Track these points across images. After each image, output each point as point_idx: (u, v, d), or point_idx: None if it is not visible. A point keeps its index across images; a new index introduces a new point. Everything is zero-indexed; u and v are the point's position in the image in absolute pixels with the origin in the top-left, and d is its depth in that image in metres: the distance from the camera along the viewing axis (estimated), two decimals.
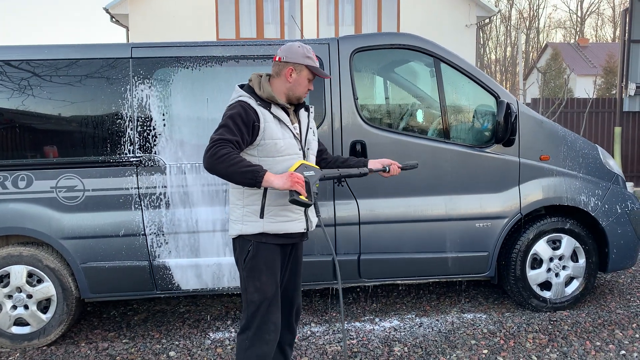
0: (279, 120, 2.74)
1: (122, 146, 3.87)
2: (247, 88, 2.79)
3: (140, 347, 3.99)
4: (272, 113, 2.72)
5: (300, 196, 2.62)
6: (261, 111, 2.69)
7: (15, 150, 3.85)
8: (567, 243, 4.32)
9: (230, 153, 2.53)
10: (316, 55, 3.90)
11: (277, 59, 2.80)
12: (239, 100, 2.71)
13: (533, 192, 4.23)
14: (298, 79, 2.78)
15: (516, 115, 4.04)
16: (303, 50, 2.78)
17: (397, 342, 3.93)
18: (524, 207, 4.22)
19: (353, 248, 4.10)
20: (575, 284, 4.40)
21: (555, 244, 4.34)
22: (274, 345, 2.84)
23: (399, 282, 4.33)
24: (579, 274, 4.37)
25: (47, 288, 3.93)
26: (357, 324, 4.28)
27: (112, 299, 4.16)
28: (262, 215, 2.72)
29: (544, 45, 36.92)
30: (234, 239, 2.85)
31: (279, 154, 2.72)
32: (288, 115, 2.81)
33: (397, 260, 4.15)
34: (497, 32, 40.07)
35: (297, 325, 3.11)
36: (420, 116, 4.44)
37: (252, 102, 2.70)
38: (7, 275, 3.91)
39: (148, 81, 3.88)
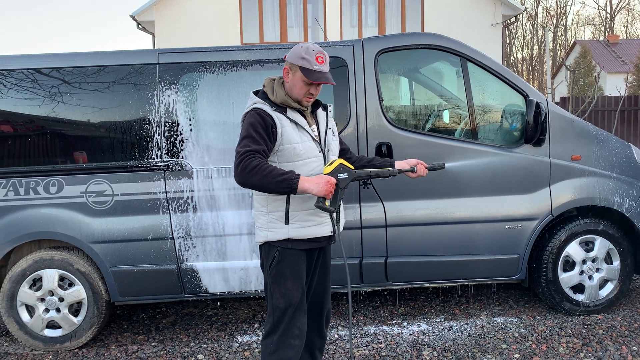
0: (296, 124, 2.70)
1: (150, 151, 3.91)
2: (262, 94, 2.76)
3: (169, 350, 4.02)
4: (288, 117, 2.68)
5: (325, 202, 2.62)
6: (277, 116, 2.65)
7: (47, 156, 3.92)
8: (601, 245, 4.21)
9: (260, 164, 2.51)
10: (338, 57, 3.94)
11: (284, 57, 2.77)
12: (255, 108, 2.67)
13: (564, 193, 4.13)
14: (293, 79, 2.69)
15: (546, 114, 3.95)
16: (302, 51, 2.66)
17: (426, 346, 3.88)
18: (555, 208, 4.13)
19: (380, 251, 4.06)
20: (609, 286, 4.28)
21: (588, 246, 4.23)
22: (299, 350, 2.82)
23: (427, 285, 4.27)
24: (614, 277, 4.25)
25: (78, 291, 4.00)
26: (385, 327, 4.24)
27: (141, 302, 4.20)
28: (287, 221, 2.70)
29: (572, 42, 36.23)
30: (260, 245, 2.84)
31: (299, 158, 2.69)
32: (305, 117, 2.77)
33: (424, 263, 4.09)
34: (523, 30, 39.52)
35: (328, 330, 3.08)
36: (447, 117, 4.38)
37: (267, 108, 2.66)
38: (40, 279, 3.99)
39: (175, 86, 3.92)
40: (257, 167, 2.50)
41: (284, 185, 2.52)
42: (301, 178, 2.55)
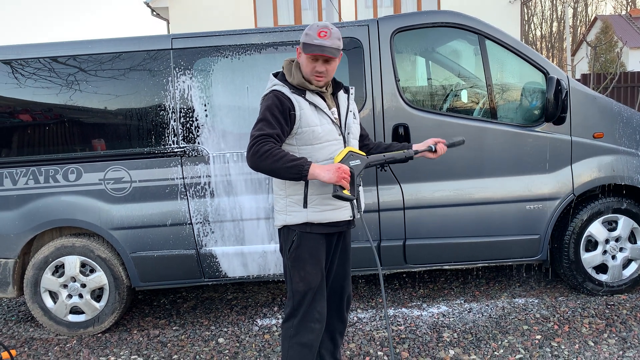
0: (315, 106, 2.66)
1: (166, 137, 3.92)
2: (281, 76, 2.73)
3: (190, 334, 4.06)
4: (307, 100, 2.65)
5: (344, 191, 2.57)
6: (296, 99, 2.62)
7: (65, 144, 3.95)
8: (624, 224, 4.12)
9: (272, 149, 2.48)
10: (353, 37, 3.88)
11: None
12: (273, 90, 2.65)
13: (586, 172, 4.05)
14: (302, 58, 2.66)
15: (567, 91, 3.86)
16: (308, 28, 2.64)
17: (446, 328, 3.86)
18: (577, 188, 4.05)
19: (398, 234, 4.03)
20: (633, 266, 4.20)
21: (611, 225, 4.15)
22: (320, 334, 2.82)
23: (446, 267, 4.24)
24: (638, 256, 4.17)
25: (100, 277, 4.05)
26: (405, 310, 4.23)
27: (162, 287, 4.24)
28: (305, 205, 2.67)
29: (593, 18, 35.34)
30: (279, 229, 2.84)
31: (318, 141, 2.65)
32: (325, 100, 2.73)
33: (443, 245, 4.06)
34: (542, 7, 38.69)
35: (348, 314, 3.07)
36: (465, 96, 4.31)
37: (286, 90, 2.63)
38: (62, 266, 4.05)
39: (189, 72, 3.90)
40: (269, 151, 2.47)
41: (294, 171, 2.49)
42: (312, 165, 2.51)
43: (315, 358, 2.87)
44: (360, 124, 2.99)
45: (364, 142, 3.01)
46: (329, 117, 2.69)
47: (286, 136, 2.62)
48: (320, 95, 2.71)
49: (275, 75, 2.76)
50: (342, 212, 2.73)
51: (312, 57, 2.61)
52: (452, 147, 3.03)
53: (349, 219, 2.77)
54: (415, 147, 2.95)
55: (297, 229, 2.71)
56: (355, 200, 2.67)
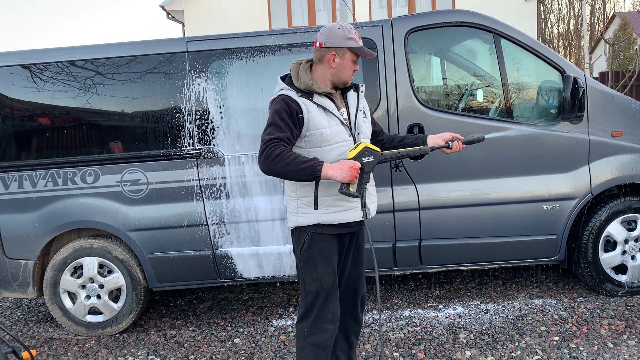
0: (323, 108, 2.67)
1: (182, 139, 3.95)
2: (288, 79, 2.74)
3: (206, 335, 4.09)
4: (315, 102, 2.65)
5: (349, 188, 2.58)
6: (303, 102, 2.63)
7: (83, 147, 4.01)
8: None
9: (283, 152, 2.50)
10: (367, 38, 3.88)
11: (317, 44, 2.69)
12: (280, 95, 2.66)
13: (604, 171, 3.99)
14: (342, 63, 2.67)
15: (584, 90, 3.81)
16: (344, 32, 2.64)
17: (462, 329, 3.83)
18: (595, 187, 3.99)
19: (413, 234, 4.02)
20: None
21: (630, 225, 4.09)
22: (333, 334, 2.82)
23: (462, 268, 4.21)
24: None
25: (117, 278, 4.10)
26: (420, 311, 4.21)
27: (179, 288, 4.28)
28: (316, 207, 2.68)
29: (611, 15, 34.85)
30: (291, 230, 2.84)
31: (327, 143, 2.65)
32: (334, 100, 2.73)
33: (459, 245, 4.03)
34: (559, 4, 38.19)
35: (363, 315, 3.07)
36: (480, 96, 4.28)
37: (293, 94, 2.64)
38: (80, 267, 4.11)
39: (204, 74, 3.93)
40: (280, 155, 2.49)
41: (306, 172, 2.50)
42: (324, 165, 2.52)
43: (330, 358, 2.87)
44: (375, 120, 3.00)
45: (378, 138, 3.00)
46: (338, 118, 2.69)
47: (296, 139, 2.63)
48: (329, 96, 2.72)
49: (283, 78, 2.77)
50: (353, 213, 2.73)
51: (355, 58, 2.69)
52: (470, 144, 2.98)
53: (361, 219, 2.77)
54: (430, 140, 2.90)
55: (309, 230, 2.72)
56: (361, 198, 2.67)
